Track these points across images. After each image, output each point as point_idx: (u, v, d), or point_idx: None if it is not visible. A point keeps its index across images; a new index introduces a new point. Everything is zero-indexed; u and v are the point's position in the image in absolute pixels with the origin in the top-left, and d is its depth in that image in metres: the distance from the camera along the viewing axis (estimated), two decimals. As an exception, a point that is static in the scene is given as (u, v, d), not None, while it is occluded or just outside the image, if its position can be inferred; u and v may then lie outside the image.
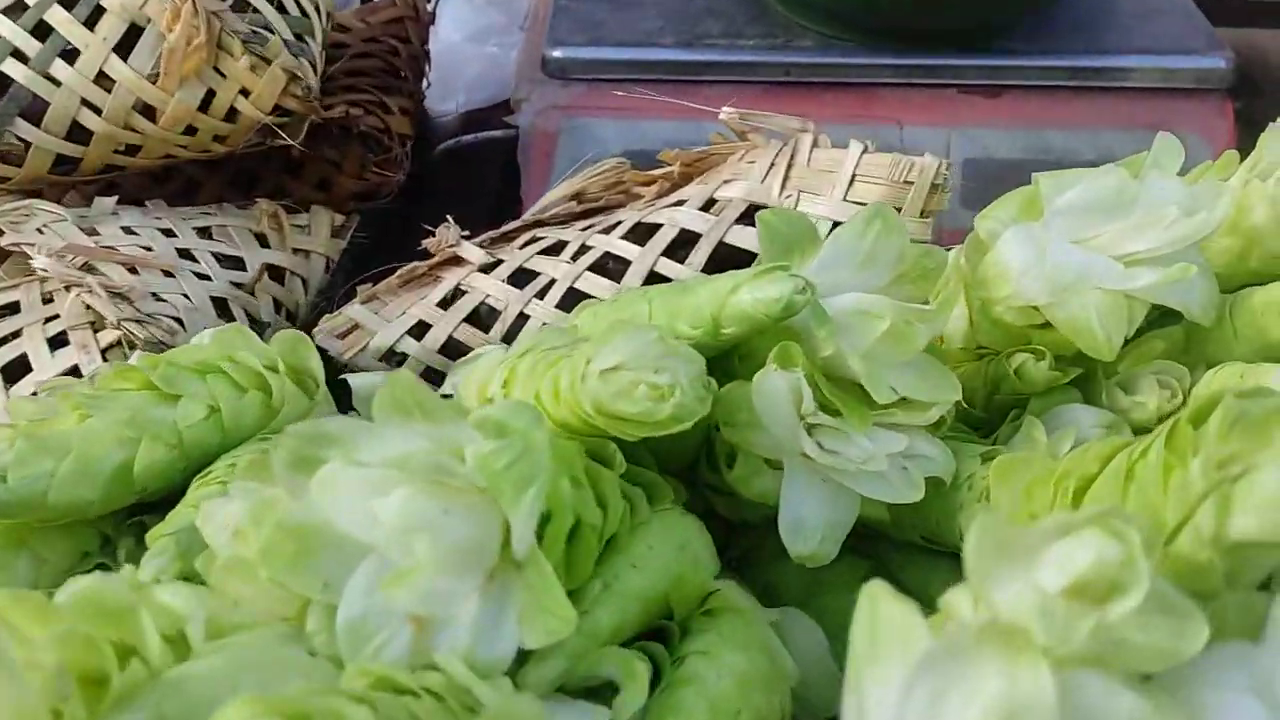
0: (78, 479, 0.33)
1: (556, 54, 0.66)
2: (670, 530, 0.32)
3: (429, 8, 0.73)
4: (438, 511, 0.25)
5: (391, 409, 0.26)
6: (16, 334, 0.47)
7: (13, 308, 0.48)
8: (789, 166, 0.47)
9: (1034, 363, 0.36)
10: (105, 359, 0.45)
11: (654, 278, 0.47)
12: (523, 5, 0.90)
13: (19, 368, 0.46)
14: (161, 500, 0.36)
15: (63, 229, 0.50)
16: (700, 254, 0.47)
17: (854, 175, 0.46)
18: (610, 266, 0.49)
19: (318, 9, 0.57)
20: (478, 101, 0.81)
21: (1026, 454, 0.31)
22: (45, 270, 0.46)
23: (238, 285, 0.52)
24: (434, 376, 0.50)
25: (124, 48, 0.50)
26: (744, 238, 0.47)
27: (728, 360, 0.37)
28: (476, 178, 0.75)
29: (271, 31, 0.52)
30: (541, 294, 0.49)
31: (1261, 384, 0.32)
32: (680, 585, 0.30)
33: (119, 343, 0.45)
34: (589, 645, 0.26)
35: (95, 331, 0.46)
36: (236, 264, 0.53)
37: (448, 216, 0.54)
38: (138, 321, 0.45)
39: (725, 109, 0.50)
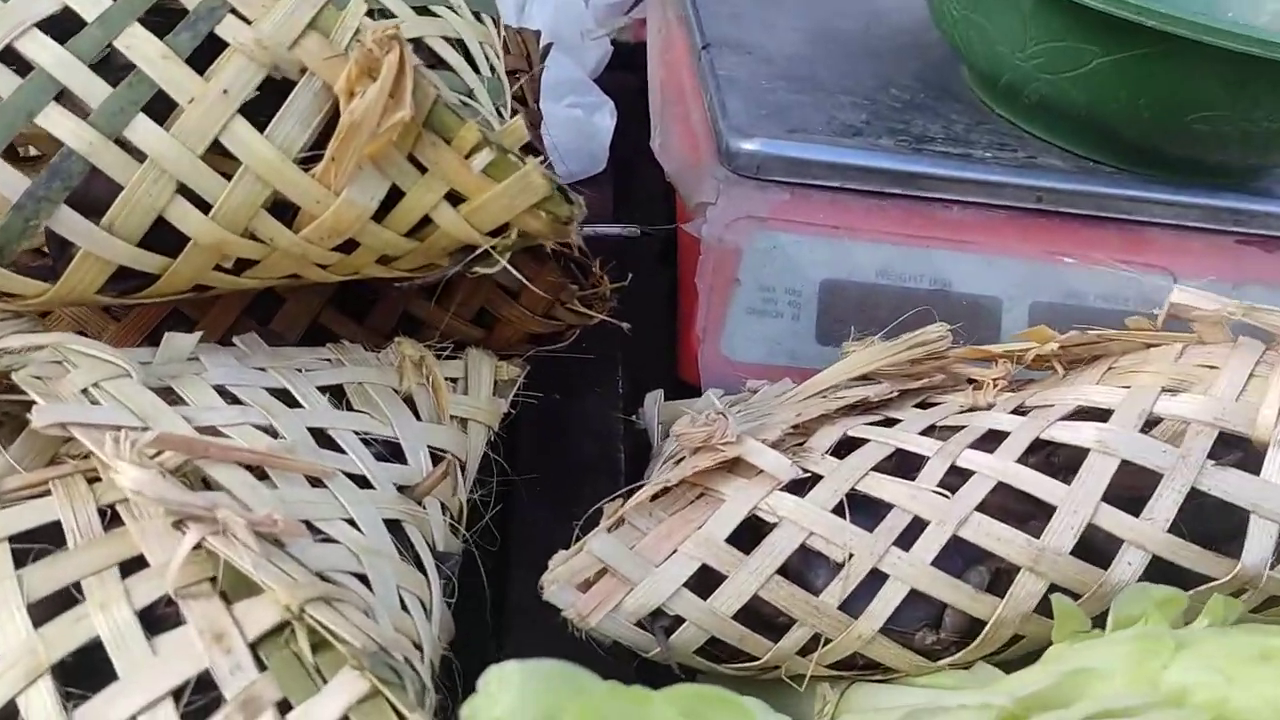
0: None
1: (749, 147, 0.49)
2: None
3: (540, 53, 0.55)
4: None
5: None
6: (72, 598, 0.27)
7: (53, 536, 0.28)
8: (1290, 383, 0.33)
9: None
10: (259, 657, 0.25)
11: (1095, 534, 0.32)
12: (591, 57, 0.73)
13: (88, 668, 0.26)
14: None
15: (129, 392, 0.30)
16: (1165, 504, 0.32)
17: None
18: (995, 504, 0.33)
19: (496, 72, 0.39)
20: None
21: None
22: (138, 490, 0.26)
23: (403, 489, 0.33)
24: (722, 655, 0.33)
25: (258, 108, 0.31)
26: (1223, 484, 0.32)
27: None
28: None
29: (477, 105, 0.34)
30: (905, 542, 0.32)
31: None
32: None
33: (280, 628, 0.26)
34: None
35: (228, 603, 0.26)
36: (393, 451, 0.34)
37: (710, 395, 0.37)
38: (327, 601, 0.26)
39: (1179, 290, 0.35)
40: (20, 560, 0.27)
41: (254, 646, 0.26)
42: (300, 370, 0.35)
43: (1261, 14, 0.62)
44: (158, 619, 0.26)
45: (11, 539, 0.28)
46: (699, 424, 0.35)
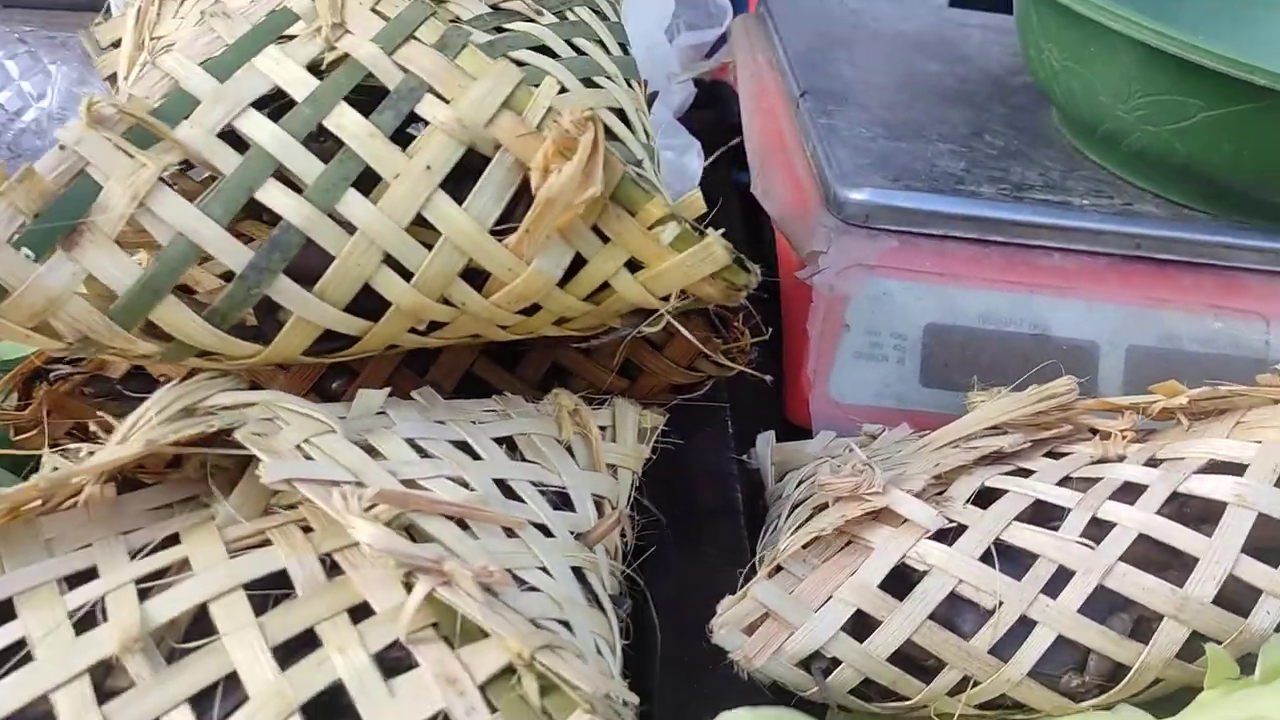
0: None
1: (859, 197, 0.51)
2: None
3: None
4: None
5: None
6: (309, 640, 0.29)
7: (282, 585, 0.30)
8: None
9: None
10: (489, 700, 0.28)
11: (1234, 583, 0.34)
12: (676, 99, 0.75)
13: (327, 708, 0.28)
14: None
15: (337, 449, 0.32)
16: (1307, 562, 0.34)
17: None
18: (1137, 554, 0.35)
19: (648, 132, 0.41)
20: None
21: None
22: (374, 548, 0.28)
23: (578, 534, 0.35)
24: (876, 695, 0.35)
25: (454, 182, 0.33)
26: (1357, 540, 0.34)
27: None
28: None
29: (644, 174, 0.36)
30: (1052, 589, 0.34)
31: None
32: None
33: (505, 673, 0.28)
34: None
35: (453, 647, 0.29)
36: (564, 500, 0.36)
37: (850, 444, 0.39)
38: (551, 649, 0.28)
39: (1309, 351, 0.37)
40: (257, 607, 0.29)
41: (483, 690, 0.28)
42: (475, 423, 0.37)
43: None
44: (389, 664, 0.29)
45: (245, 586, 0.30)
46: (843, 474, 0.37)
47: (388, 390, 0.35)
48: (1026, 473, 0.39)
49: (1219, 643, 0.33)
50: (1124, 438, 0.39)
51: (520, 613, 0.29)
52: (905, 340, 0.52)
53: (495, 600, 0.29)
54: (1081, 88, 0.53)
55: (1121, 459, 0.38)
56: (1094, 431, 0.41)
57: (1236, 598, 0.34)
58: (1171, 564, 0.35)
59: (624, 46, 0.42)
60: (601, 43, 0.41)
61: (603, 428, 0.41)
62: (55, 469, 0.31)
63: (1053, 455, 0.40)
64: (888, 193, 0.52)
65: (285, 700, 0.28)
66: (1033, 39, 0.56)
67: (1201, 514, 0.35)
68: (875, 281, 0.52)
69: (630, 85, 0.41)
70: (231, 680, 0.28)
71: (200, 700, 0.28)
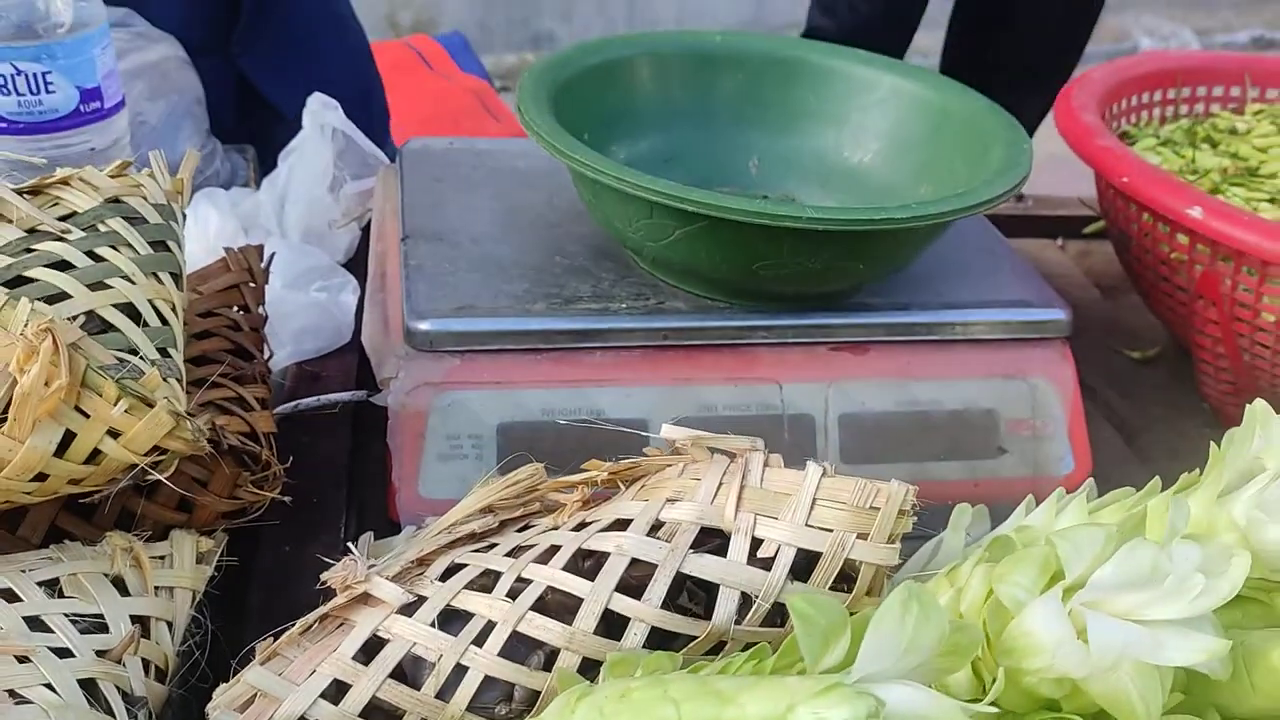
0: None
1: (424, 327, 0.62)
2: None
3: (264, 266, 0.67)
4: None
5: None
6: None
7: None
8: (741, 487, 0.45)
9: (1067, 731, 0.35)
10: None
11: (610, 616, 0.44)
12: (340, 242, 0.86)
13: None
14: None
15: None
16: (659, 587, 0.44)
17: (814, 499, 0.44)
18: (552, 602, 0.45)
19: (174, 310, 0.51)
20: (308, 352, 0.75)
21: None
22: None
23: (102, 653, 0.44)
24: (356, 744, 0.44)
25: (-44, 387, 0.42)
26: (702, 566, 0.44)
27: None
28: (320, 444, 0.69)
29: (139, 356, 0.46)
30: (479, 640, 0.44)
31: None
32: None
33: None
34: None
35: (-58, 761, 0.37)
36: (98, 625, 0.45)
37: (349, 546, 0.48)
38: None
39: (667, 427, 0.48)
40: None
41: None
42: (24, 570, 0.45)
43: (864, 152, 0.77)
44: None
45: None
46: (337, 568, 0.47)
47: (-64, 556, 0.44)
48: (493, 547, 0.48)
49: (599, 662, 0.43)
50: (576, 507, 0.49)
51: (1, 722, 0.38)
52: (481, 439, 0.62)
53: (-22, 716, 0.38)
54: (604, 217, 0.65)
55: (567, 525, 0.48)
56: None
57: (615, 625, 0.44)
58: (575, 607, 0.45)
59: (162, 244, 0.52)
60: (131, 246, 0.50)
61: (161, 557, 0.50)
62: None
63: (528, 528, 0.50)
64: (448, 320, 0.62)
65: None
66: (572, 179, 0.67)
67: (597, 564, 0.45)
68: (445, 395, 0.61)
69: (155, 277, 0.50)
70: None
71: None
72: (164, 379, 0.44)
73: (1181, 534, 0.35)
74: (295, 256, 0.79)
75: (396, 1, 3.76)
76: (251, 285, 0.65)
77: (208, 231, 0.81)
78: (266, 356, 0.64)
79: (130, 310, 0.48)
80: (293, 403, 0.69)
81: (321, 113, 0.84)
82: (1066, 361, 0.68)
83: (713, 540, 0.45)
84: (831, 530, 0.44)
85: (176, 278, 0.52)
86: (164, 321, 0.49)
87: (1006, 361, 0.67)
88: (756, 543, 0.45)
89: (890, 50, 1.91)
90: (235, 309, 0.63)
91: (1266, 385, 0.72)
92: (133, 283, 0.49)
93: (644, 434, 0.59)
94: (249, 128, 0.98)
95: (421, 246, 0.69)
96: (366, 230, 0.86)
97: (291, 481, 0.58)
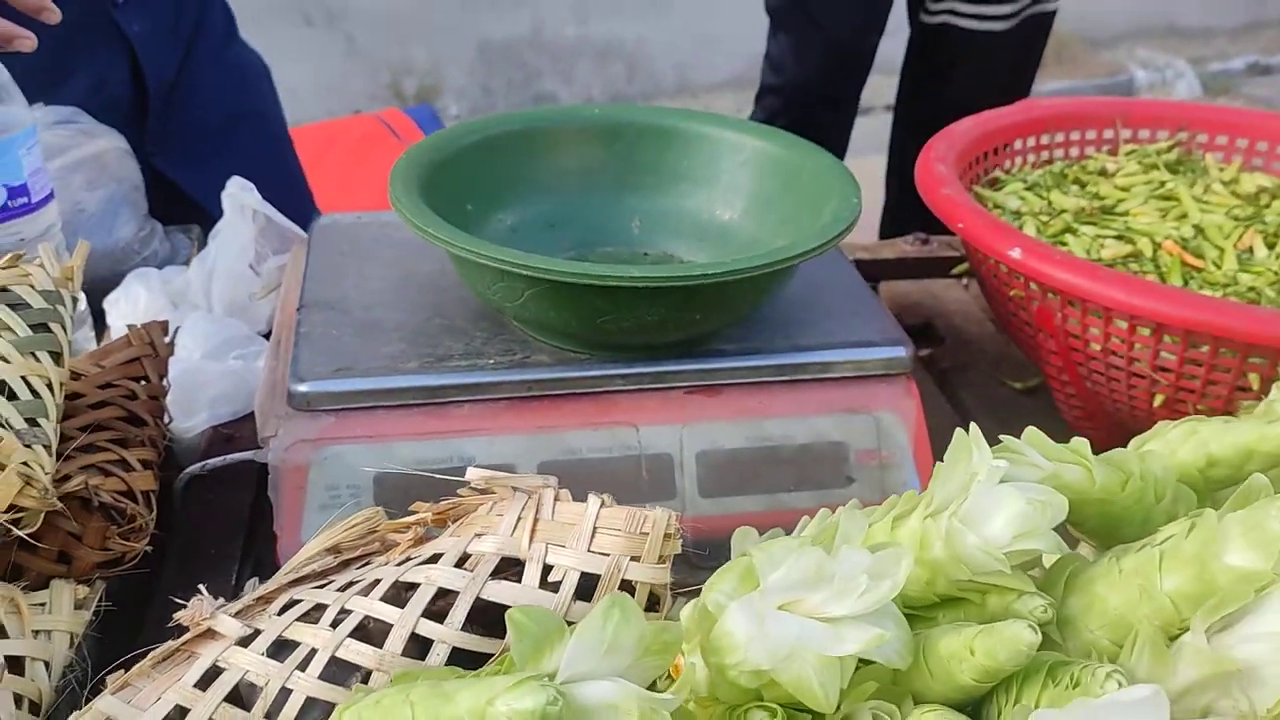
0: None
1: (302, 389, 0.68)
2: None
3: (166, 340, 0.74)
4: None
5: None
6: None
7: None
8: (535, 520, 0.51)
9: (768, 719, 0.40)
10: None
11: (415, 639, 0.49)
12: (262, 312, 0.92)
13: None
14: None
15: None
16: (459, 612, 0.49)
17: (595, 528, 0.49)
18: (372, 629, 0.50)
19: (50, 386, 0.57)
20: (223, 416, 0.81)
21: None
22: None
23: (-28, 689, 0.50)
24: (195, 763, 0.49)
25: None
26: (499, 592, 0.50)
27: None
28: (226, 499, 0.75)
29: (2, 425, 0.52)
30: (304, 665, 0.49)
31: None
32: None
33: None
34: None
35: None
36: (-28, 664, 0.51)
37: (200, 588, 0.54)
38: None
39: (471, 469, 0.53)
40: None
41: None
42: (-92, 619, 0.51)
43: (733, 210, 0.83)
44: None
45: None
46: (188, 608, 0.52)
47: None
48: (330, 583, 0.54)
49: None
50: (408, 545, 0.55)
51: None
52: (359, 488, 0.68)
53: None
54: (469, 283, 0.71)
55: (394, 561, 0.54)
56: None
57: (419, 648, 0.49)
58: (388, 632, 0.50)
59: (44, 325, 0.59)
60: (12, 329, 0.57)
61: (41, 604, 0.56)
62: None
63: (366, 565, 0.55)
64: (325, 381, 0.68)
65: None
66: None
67: (411, 594, 0.51)
68: (322, 450, 0.67)
69: (32, 356, 0.57)
70: None
71: None
72: (26, 445, 0.51)
73: (855, 541, 0.40)
74: (216, 328, 0.86)
75: (400, 69, 3.90)
76: (153, 357, 0.71)
77: (138, 308, 0.88)
78: (167, 422, 0.70)
79: (1, 387, 0.54)
80: (201, 463, 0.75)
81: (240, 195, 0.91)
82: (910, 395, 0.73)
83: (514, 568, 0.51)
84: (609, 555, 0.49)
85: (56, 355, 0.58)
86: (35, 395, 0.55)
87: (852, 397, 0.73)
88: (548, 569, 0.50)
89: (842, 100, 1.98)
90: (137, 380, 0.70)
91: (1110, 407, 0.76)
92: (8, 362, 0.55)
93: (508, 476, 0.65)
94: (176, 216, 1.05)
95: (314, 314, 0.75)
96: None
97: (194, 535, 0.64)
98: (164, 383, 0.72)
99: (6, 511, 0.50)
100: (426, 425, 0.69)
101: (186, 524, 0.73)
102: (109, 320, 0.88)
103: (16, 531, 0.51)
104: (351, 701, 0.42)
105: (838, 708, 0.41)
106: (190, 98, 1.08)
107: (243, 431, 0.81)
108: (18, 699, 0.51)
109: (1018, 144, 0.96)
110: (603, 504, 0.50)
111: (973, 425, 0.46)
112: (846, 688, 0.40)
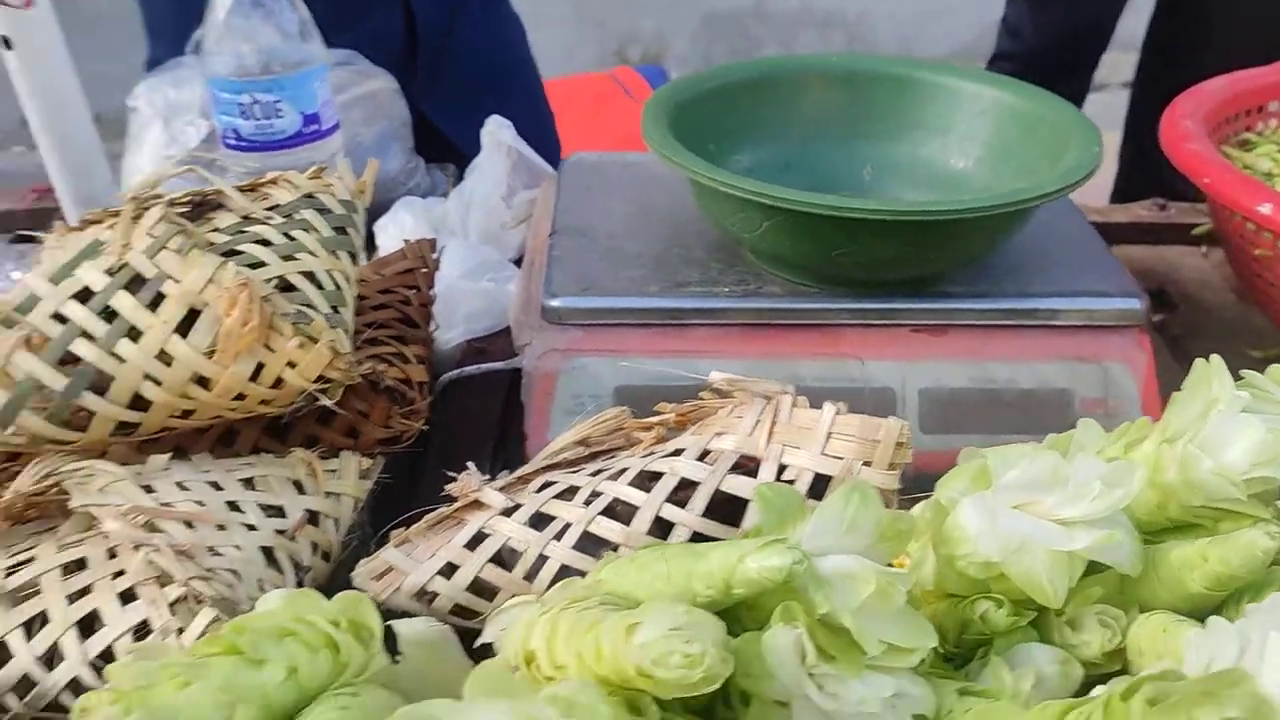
0: (184, 745, 0.38)
1: (554, 303, 0.74)
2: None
3: (434, 257, 0.81)
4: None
5: (480, 688, 0.32)
6: (87, 590, 0.52)
7: (81, 564, 0.54)
8: (773, 423, 0.55)
9: (995, 609, 0.43)
10: (173, 612, 0.50)
11: (659, 521, 0.54)
12: (512, 241, 0.99)
13: (91, 622, 0.51)
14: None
15: (123, 488, 0.56)
16: (699, 500, 0.54)
17: (830, 433, 0.53)
18: (619, 510, 0.55)
19: (347, 279, 0.64)
20: (476, 331, 0.89)
21: (998, 706, 0.37)
22: (116, 533, 0.52)
23: (280, 532, 0.58)
24: (462, 612, 0.56)
25: (183, 328, 0.57)
26: (736, 486, 0.54)
27: (736, 608, 0.43)
28: (479, 404, 0.82)
29: (313, 309, 0.60)
30: (559, 536, 0.55)
31: (1176, 646, 0.38)
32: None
33: (185, 597, 0.51)
34: None
35: (162, 586, 0.51)
36: (278, 512, 0.59)
37: (468, 464, 0.61)
38: (202, 579, 0.50)
39: (714, 372, 0.58)
40: (67, 573, 0.53)
41: (171, 606, 0.50)
42: (228, 471, 0.60)
43: (968, 159, 0.84)
44: (126, 596, 0.51)
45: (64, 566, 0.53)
46: (459, 481, 0.59)
47: (169, 454, 0.59)
48: (580, 470, 0.59)
49: (651, 559, 0.53)
50: (650, 442, 0.60)
51: (200, 567, 0.52)
52: (600, 398, 0.74)
53: (186, 558, 0.52)
54: (708, 214, 0.75)
55: (639, 454, 0.59)
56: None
57: (662, 530, 0.54)
58: (632, 516, 0.55)
59: (343, 229, 0.66)
60: (317, 230, 0.65)
61: (333, 471, 0.64)
62: (-34, 511, 0.55)
63: (612, 458, 0.61)
64: (575, 298, 0.74)
65: (69, 619, 0.51)
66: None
67: (655, 482, 0.56)
68: (570, 360, 0.73)
69: (334, 254, 0.64)
70: (42, 614, 0.51)
71: (29, 626, 0.51)
72: (330, 326, 0.58)
73: (1091, 450, 0.42)
74: (472, 253, 0.93)
75: (626, 38, 3.99)
76: (424, 271, 0.79)
77: (404, 232, 0.97)
78: (432, 328, 0.78)
79: (311, 277, 0.62)
80: (458, 369, 0.82)
81: (497, 132, 0.98)
82: (1142, 348, 0.73)
83: (750, 465, 0.55)
84: (842, 458, 0.52)
85: (352, 255, 0.66)
86: (337, 287, 0.63)
87: (1081, 345, 0.73)
88: (783, 468, 0.54)
89: (1078, 69, 1.91)
90: (411, 289, 0.78)
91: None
92: (315, 256, 0.63)
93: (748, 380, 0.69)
94: (433, 156, 1.14)
95: (564, 240, 0.81)
96: (533, 233, 1.00)
97: (451, 435, 0.71)
98: (431, 293, 0.79)
99: (315, 381, 0.57)
100: (664, 344, 0.74)
101: (444, 425, 0.81)
102: (378, 242, 0.97)
103: (323, 400, 0.58)
104: (610, 559, 0.47)
105: (1063, 609, 0.43)
106: (458, 50, 1.17)
107: (494, 346, 0.88)
108: (314, 546, 0.59)
109: (1273, 105, 0.92)
110: (838, 411, 0.53)
111: (1214, 356, 0.47)
112: (1074, 589, 0.43)
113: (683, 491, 0.55)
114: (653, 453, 0.58)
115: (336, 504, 0.62)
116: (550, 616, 0.42)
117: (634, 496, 0.55)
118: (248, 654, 0.41)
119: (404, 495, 0.69)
